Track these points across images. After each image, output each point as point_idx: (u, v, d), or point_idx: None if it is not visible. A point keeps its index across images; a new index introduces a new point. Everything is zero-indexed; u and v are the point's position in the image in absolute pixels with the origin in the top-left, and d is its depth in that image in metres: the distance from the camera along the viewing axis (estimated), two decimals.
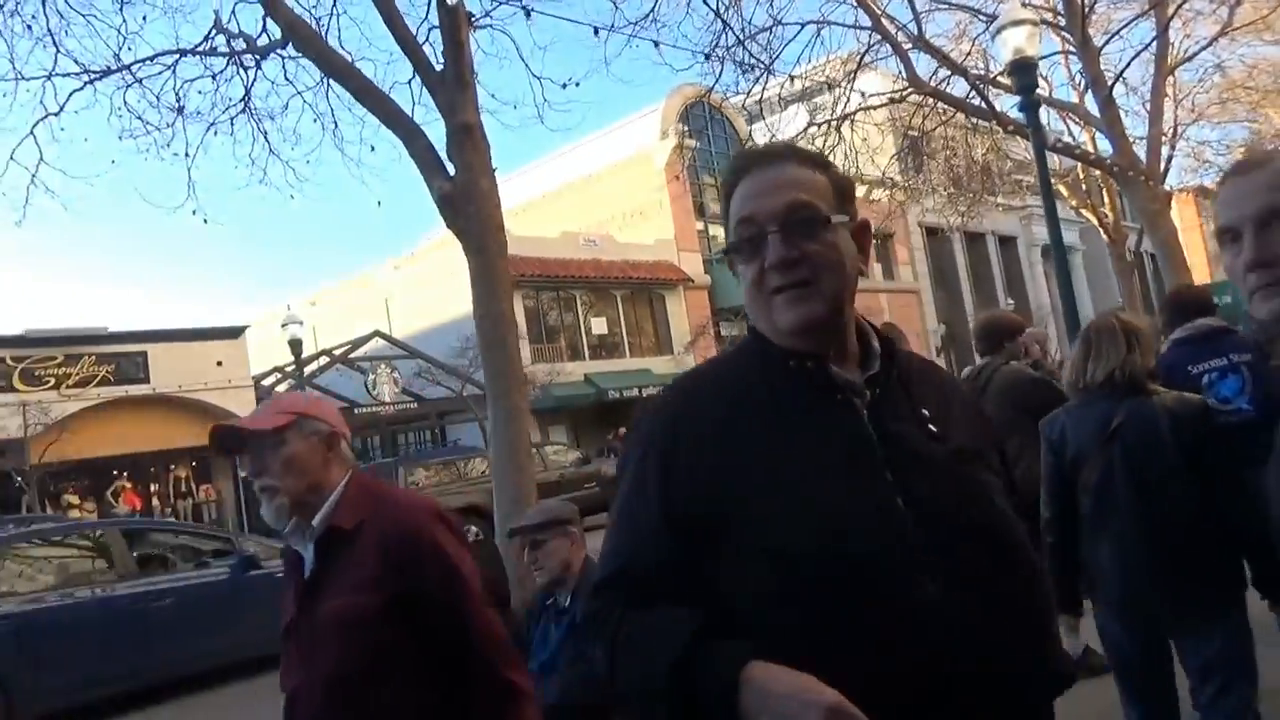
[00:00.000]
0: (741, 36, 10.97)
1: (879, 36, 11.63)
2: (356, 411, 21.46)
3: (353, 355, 23.37)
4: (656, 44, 9.15)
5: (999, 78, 12.65)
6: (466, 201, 6.56)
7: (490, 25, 8.15)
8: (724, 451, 1.22)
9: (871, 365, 1.30)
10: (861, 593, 1.11)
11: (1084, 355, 2.94)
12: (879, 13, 11.67)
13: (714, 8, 9.64)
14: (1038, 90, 7.99)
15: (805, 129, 11.88)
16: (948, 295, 43.33)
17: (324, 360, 22.42)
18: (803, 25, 11.62)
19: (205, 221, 8.99)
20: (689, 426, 1.27)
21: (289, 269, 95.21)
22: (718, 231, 33.73)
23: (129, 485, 18.29)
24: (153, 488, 18.78)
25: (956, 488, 1.20)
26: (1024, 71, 7.77)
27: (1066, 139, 14.83)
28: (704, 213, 32.85)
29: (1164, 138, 16.83)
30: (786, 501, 1.15)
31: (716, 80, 11.02)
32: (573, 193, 30.35)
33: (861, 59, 12.20)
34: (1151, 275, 55.46)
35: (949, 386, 1.40)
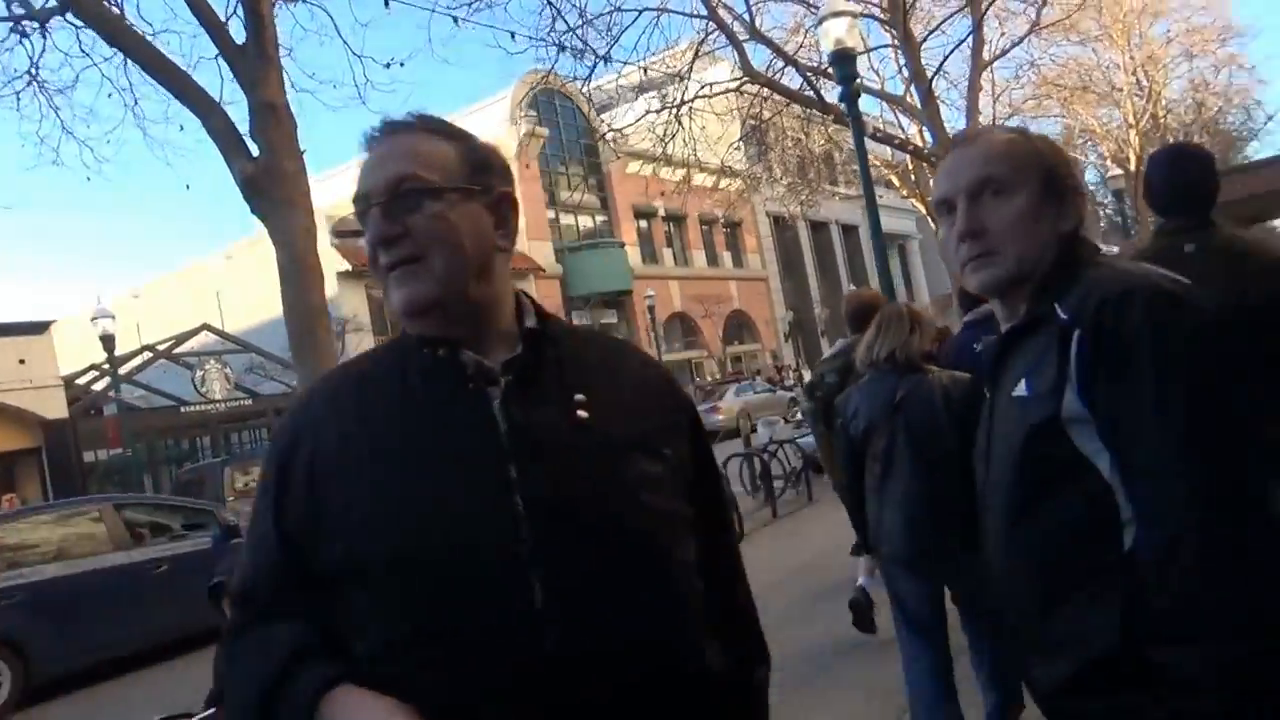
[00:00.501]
0: (577, 22, 10.85)
1: (715, 26, 11.74)
2: (184, 410, 20.15)
3: (179, 350, 21.92)
4: (492, 28, 8.90)
5: (829, 69, 13.05)
6: (270, 185, 6.12)
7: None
8: (340, 457, 1.12)
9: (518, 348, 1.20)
10: (460, 601, 1.03)
11: (874, 336, 3.32)
12: (715, 3, 11.78)
13: None
14: (859, 81, 8.19)
15: (642, 116, 11.85)
16: (795, 283, 44.71)
17: (146, 356, 20.93)
18: (640, 12, 11.57)
19: None
20: (310, 432, 1.16)
21: (115, 260, 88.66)
22: (569, 220, 33.60)
23: None
24: None
25: (594, 481, 1.11)
26: (844, 62, 7.94)
27: (896, 129, 15.45)
28: (555, 201, 32.62)
29: None
30: (372, 505, 1.07)
31: (552, 67, 10.83)
32: None
33: (698, 48, 12.29)
34: None
35: (627, 369, 1.30)
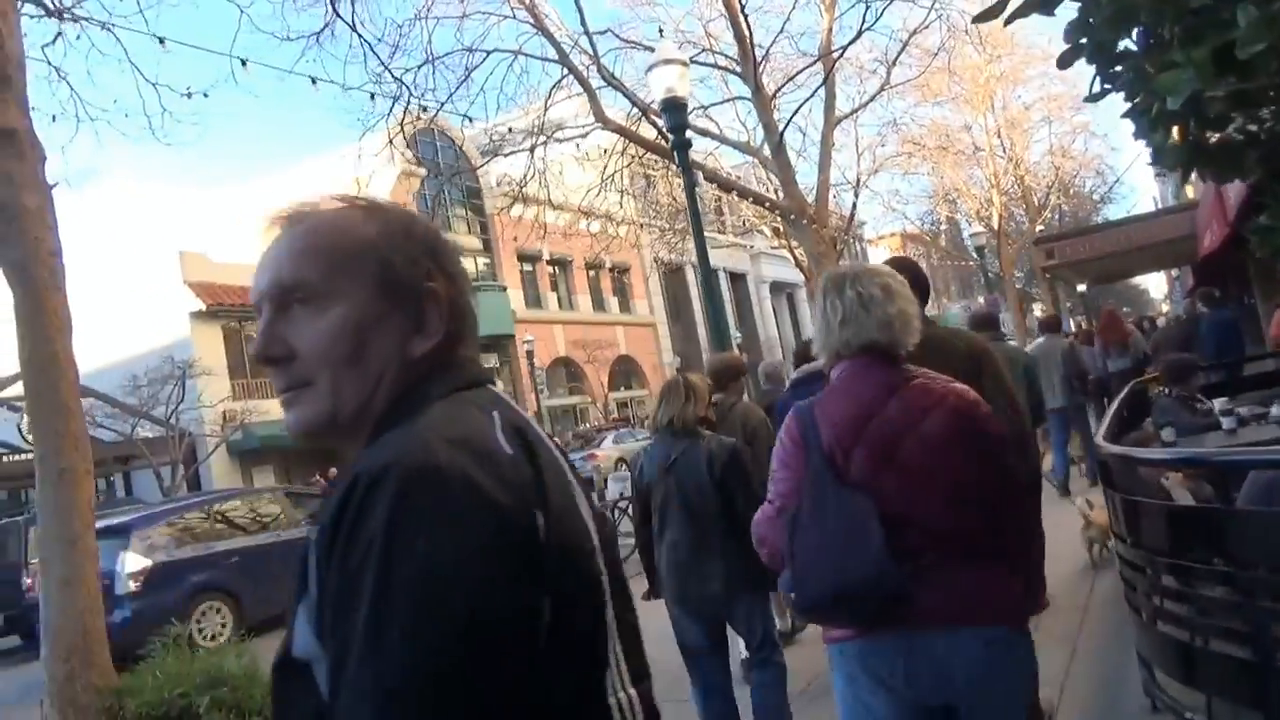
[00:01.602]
0: (420, 62, 10.48)
1: (567, 70, 11.49)
2: (6, 460, 18.52)
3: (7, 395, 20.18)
4: (313, 80, 8.38)
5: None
6: (6, 223, 5.42)
7: (82, 19, 7.06)
8: None
9: None
10: None
11: (657, 405, 3.86)
12: (569, 48, 11.54)
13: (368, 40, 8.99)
14: (687, 131, 7.98)
15: (491, 158, 11.50)
16: (683, 328, 44.85)
17: None
18: (488, 53, 11.25)
19: None
20: None
21: None
22: None
23: None
24: None
25: None
26: (674, 111, 7.73)
27: (764, 182, 15.48)
28: None
29: (849, 185, 18.15)
30: None
31: (391, 107, 10.37)
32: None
33: (551, 92, 12.02)
34: None
35: None
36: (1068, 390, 8.18)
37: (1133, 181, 57.57)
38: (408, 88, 9.75)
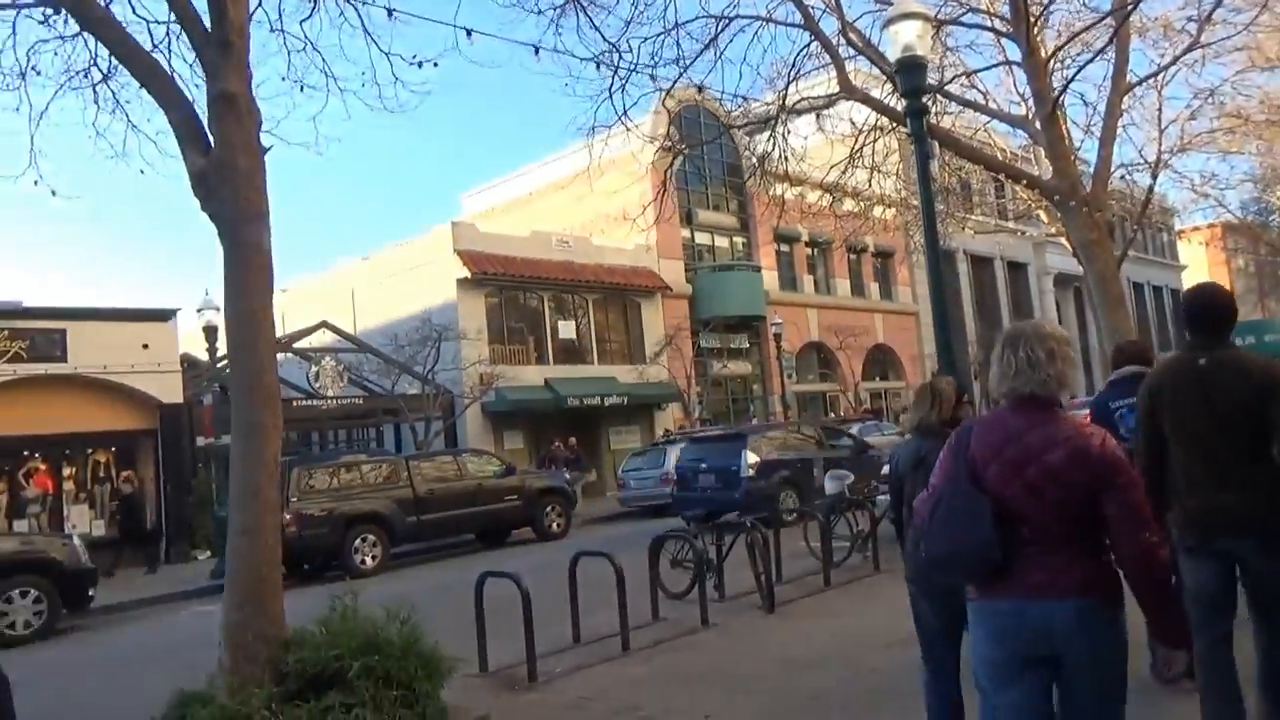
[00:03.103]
0: (660, 30, 10.15)
1: (811, 36, 10.71)
2: (295, 405, 20.70)
3: (310, 346, 22.60)
4: (536, 49, 8.26)
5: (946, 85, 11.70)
6: (221, 181, 5.68)
7: None
8: None
9: None
10: None
11: (910, 408, 4.61)
12: (816, 14, 10.75)
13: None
14: (925, 96, 7.01)
15: (740, 128, 10.93)
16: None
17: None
18: (728, 19, 10.70)
19: (54, 194, 8.06)
20: None
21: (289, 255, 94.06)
22: (704, 239, 32.79)
23: (42, 467, 17.55)
24: (66, 471, 18.02)
25: None
26: (911, 72, 6.82)
27: (1030, 161, 13.78)
28: (691, 220, 31.92)
29: (1145, 166, 15.76)
30: None
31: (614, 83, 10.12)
32: (556, 193, 29.45)
33: (797, 60, 11.27)
34: (1155, 302, 54.13)
35: None
36: None
37: None
38: (620, 54, 9.36)
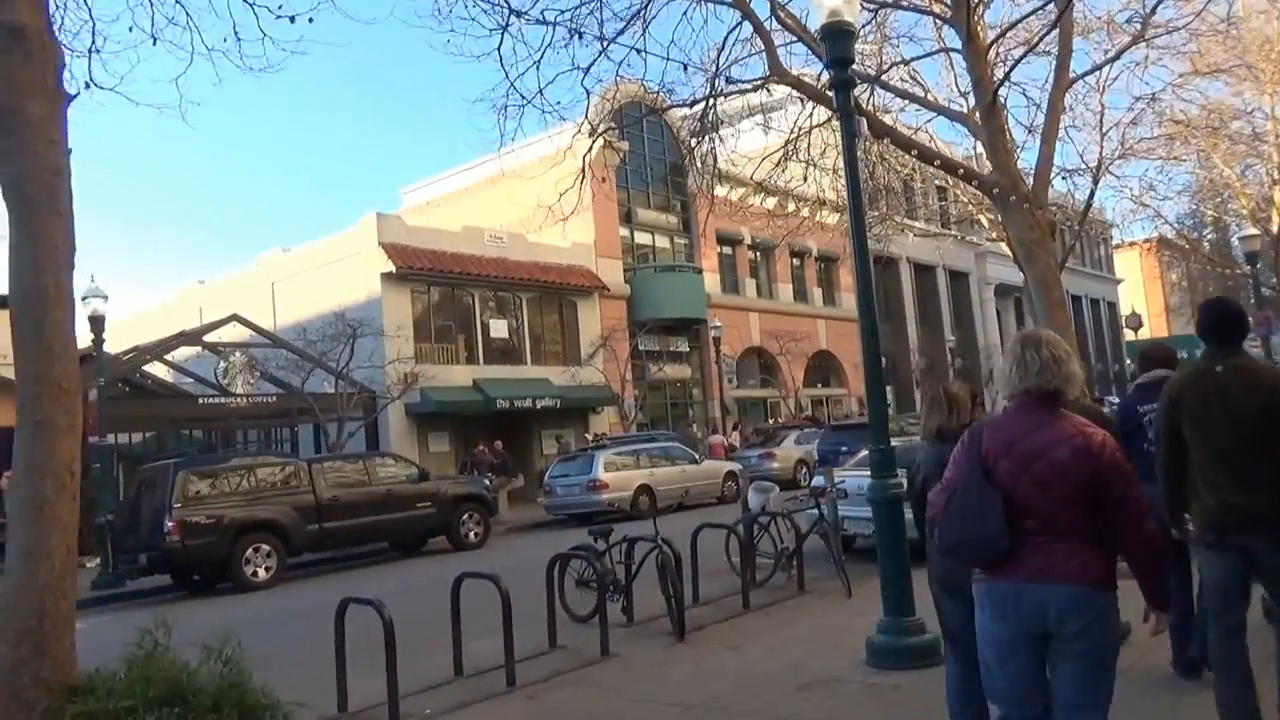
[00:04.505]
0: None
1: (742, 16, 9.98)
2: (202, 402, 19.43)
3: (214, 340, 21.29)
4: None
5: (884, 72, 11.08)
6: (6, 131, 4.71)
7: None
8: None
9: None
10: None
11: (925, 415, 4.57)
12: None
13: None
14: (852, 67, 6.30)
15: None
16: (892, 327, 41.89)
17: (158, 343, 20.33)
18: None
19: None
20: None
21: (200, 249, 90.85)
22: (645, 239, 32.04)
23: None
24: None
25: None
26: (838, 39, 6.10)
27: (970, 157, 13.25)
28: (631, 219, 31.15)
29: (1086, 170, 15.37)
30: None
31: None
32: (492, 189, 28.40)
33: (726, 42, 10.53)
34: (1093, 314, 54.85)
35: None
36: None
37: None
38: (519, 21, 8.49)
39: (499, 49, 9.28)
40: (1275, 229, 20.52)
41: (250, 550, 12.93)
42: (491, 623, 6.72)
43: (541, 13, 9.75)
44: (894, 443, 6.69)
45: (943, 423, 4.37)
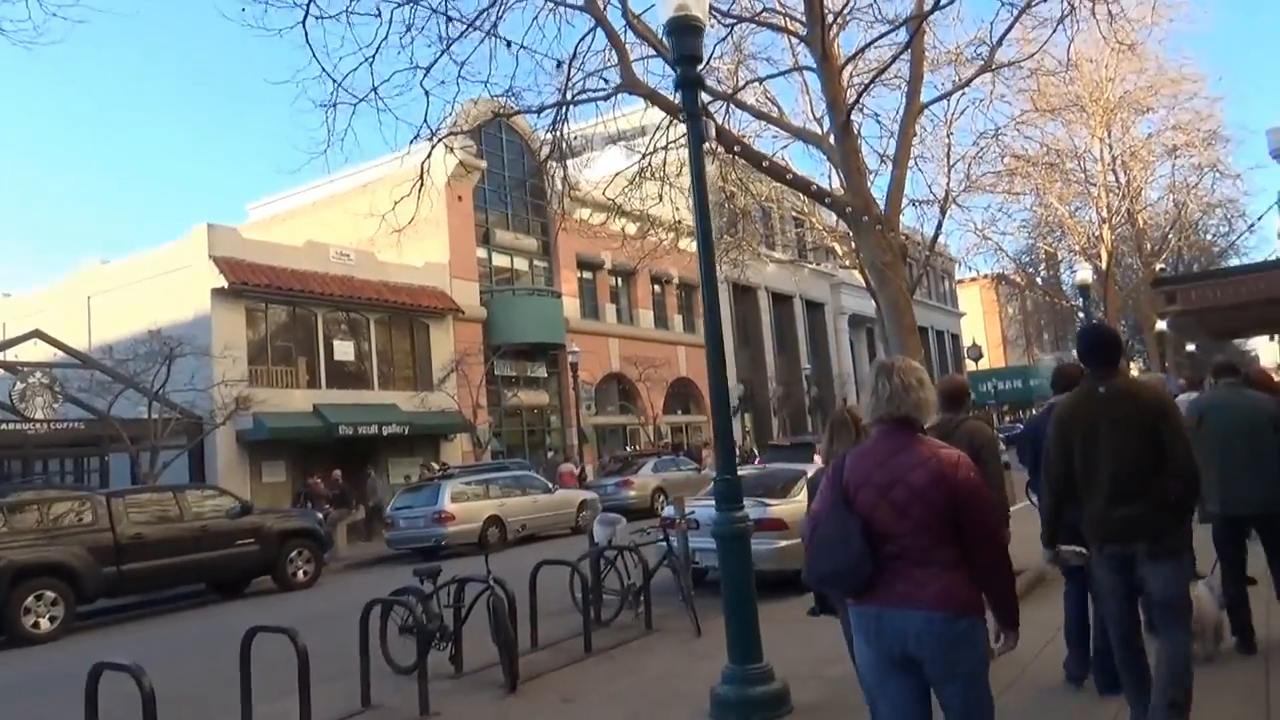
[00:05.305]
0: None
1: (594, 22, 9.47)
2: (5, 428, 17.27)
3: (10, 360, 19.04)
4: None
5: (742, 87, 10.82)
6: None
7: None
8: None
9: None
10: None
11: (828, 439, 4.41)
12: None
13: None
14: (700, 66, 5.84)
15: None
16: (751, 355, 42.41)
17: None
18: None
19: None
20: None
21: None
22: (503, 262, 31.18)
23: None
24: None
25: None
26: (685, 36, 5.64)
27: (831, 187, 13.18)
28: (489, 240, 30.25)
29: (935, 201, 15.67)
30: None
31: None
32: (339, 205, 26.93)
33: (577, 49, 10.01)
34: (938, 345, 57.47)
35: None
36: None
37: (1268, 232, 52.25)
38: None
39: (304, 24, 8.40)
40: (1104, 266, 21.64)
41: (31, 598, 11.30)
42: (296, 680, 5.79)
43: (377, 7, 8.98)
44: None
45: (851, 446, 4.03)
